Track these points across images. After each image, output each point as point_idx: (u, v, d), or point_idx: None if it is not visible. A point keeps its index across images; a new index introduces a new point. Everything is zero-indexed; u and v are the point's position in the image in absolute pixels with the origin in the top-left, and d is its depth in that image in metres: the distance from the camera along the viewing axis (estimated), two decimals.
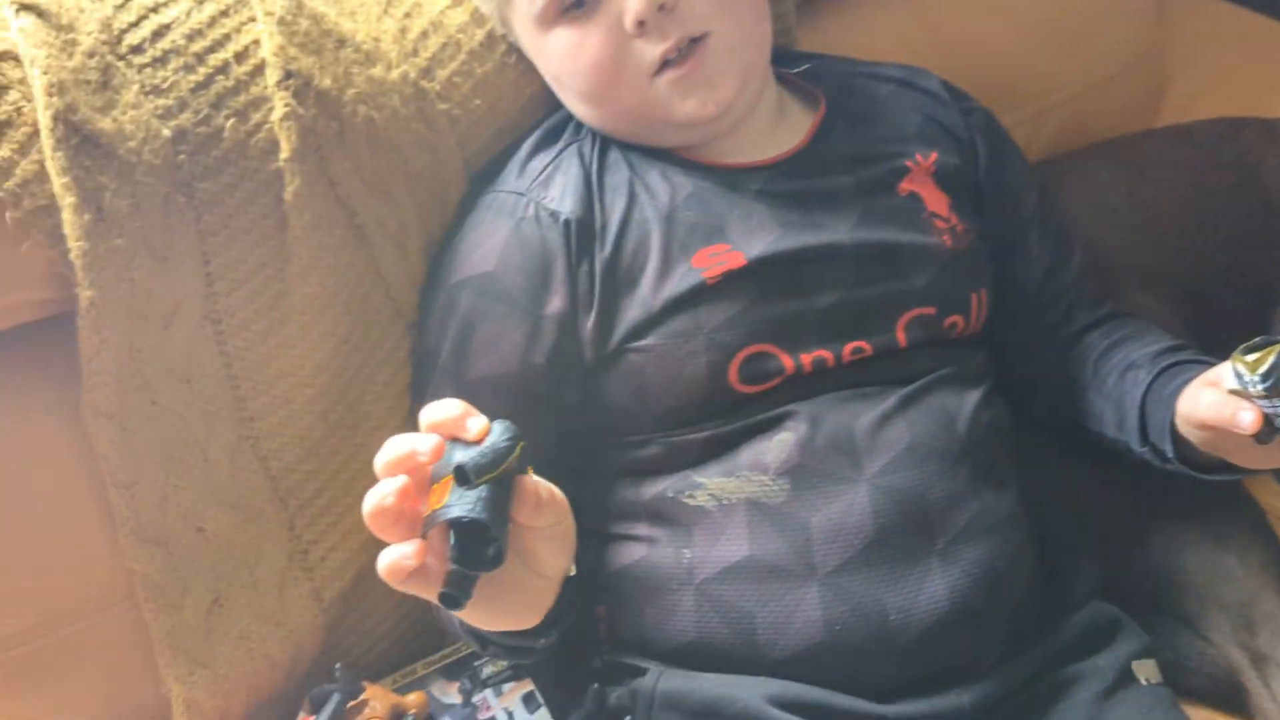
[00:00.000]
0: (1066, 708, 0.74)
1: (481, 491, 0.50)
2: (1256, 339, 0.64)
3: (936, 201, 0.82)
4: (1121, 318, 0.88)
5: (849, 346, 0.76)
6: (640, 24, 0.72)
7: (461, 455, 0.51)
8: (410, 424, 0.80)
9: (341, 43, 0.76)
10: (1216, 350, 0.97)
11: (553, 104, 0.84)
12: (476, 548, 0.52)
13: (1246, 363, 0.62)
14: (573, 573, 0.65)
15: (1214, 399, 0.66)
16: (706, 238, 0.76)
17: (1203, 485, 0.77)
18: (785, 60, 0.91)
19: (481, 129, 0.82)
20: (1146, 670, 0.78)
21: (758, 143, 0.81)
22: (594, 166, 0.79)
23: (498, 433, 0.53)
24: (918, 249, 0.79)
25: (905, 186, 0.82)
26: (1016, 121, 1.13)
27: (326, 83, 0.74)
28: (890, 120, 0.85)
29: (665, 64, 0.74)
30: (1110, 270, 0.94)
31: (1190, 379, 0.72)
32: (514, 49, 0.83)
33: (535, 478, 0.55)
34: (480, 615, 0.60)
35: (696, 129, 0.78)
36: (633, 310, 0.75)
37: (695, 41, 0.74)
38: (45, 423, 0.73)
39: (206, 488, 0.75)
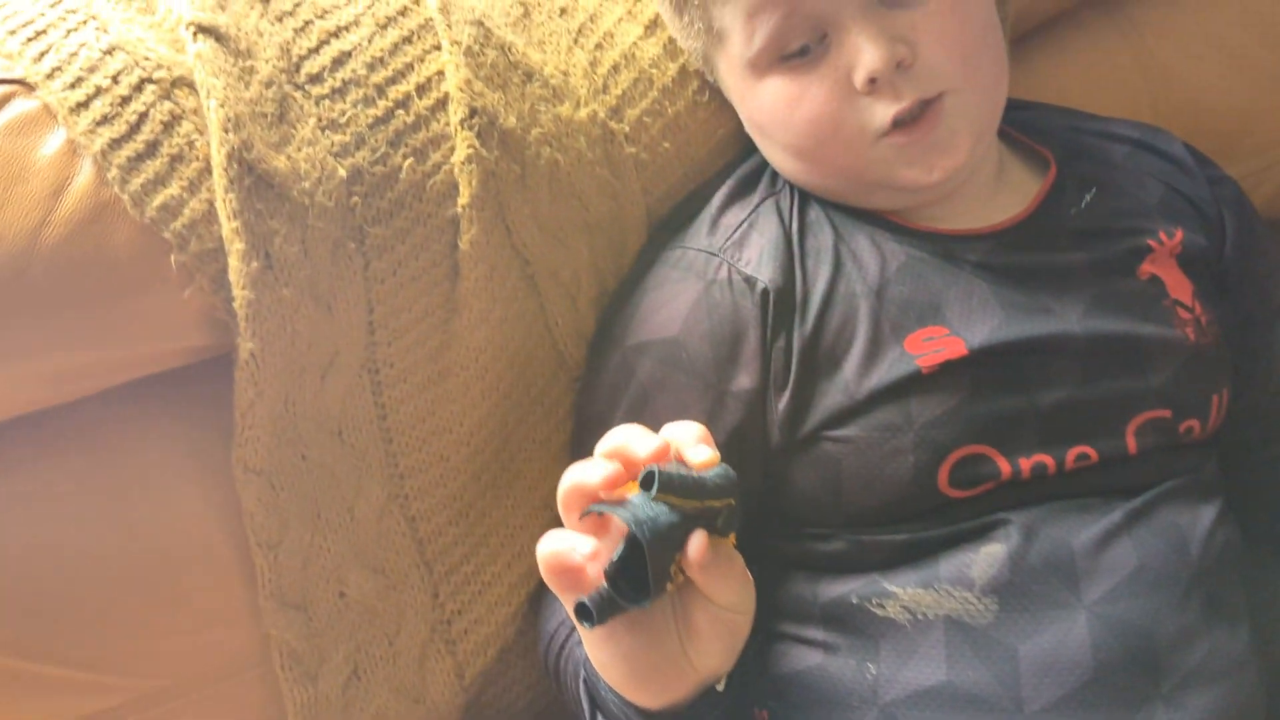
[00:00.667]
0: None
1: (659, 512, 0.46)
2: None
3: (1180, 288, 0.72)
4: None
5: (1073, 452, 0.67)
6: (872, 82, 0.64)
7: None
8: None
9: (529, 76, 0.69)
10: None
11: (743, 147, 0.77)
12: (635, 574, 0.47)
13: None
14: (720, 688, 0.58)
15: None
16: (921, 318, 0.68)
17: None
18: None
19: (668, 174, 0.74)
20: None
21: (976, 208, 0.72)
22: (794, 227, 0.71)
23: (716, 471, 0.49)
24: (1158, 343, 0.70)
25: (1146, 269, 0.72)
26: (1241, 175, 1.02)
27: (511, 121, 0.68)
28: (1129, 190, 0.75)
29: (894, 125, 0.66)
30: None
31: None
32: (707, 85, 0.75)
33: (733, 549, 0.51)
34: (602, 650, 0.55)
35: (915, 194, 0.69)
36: (833, 395, 0.67)
37: (928, 103, 0.66)
38: (184, 473, 0.68)
39: (351, 548, 0.70)
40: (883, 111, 0.66)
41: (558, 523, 0.53)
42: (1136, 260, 0.72)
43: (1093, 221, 0.73)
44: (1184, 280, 0.73)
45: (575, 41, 0.72)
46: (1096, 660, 0.63)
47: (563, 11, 0.72)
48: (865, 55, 0.64)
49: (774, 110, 0.68)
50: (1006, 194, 0.74)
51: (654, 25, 0.74)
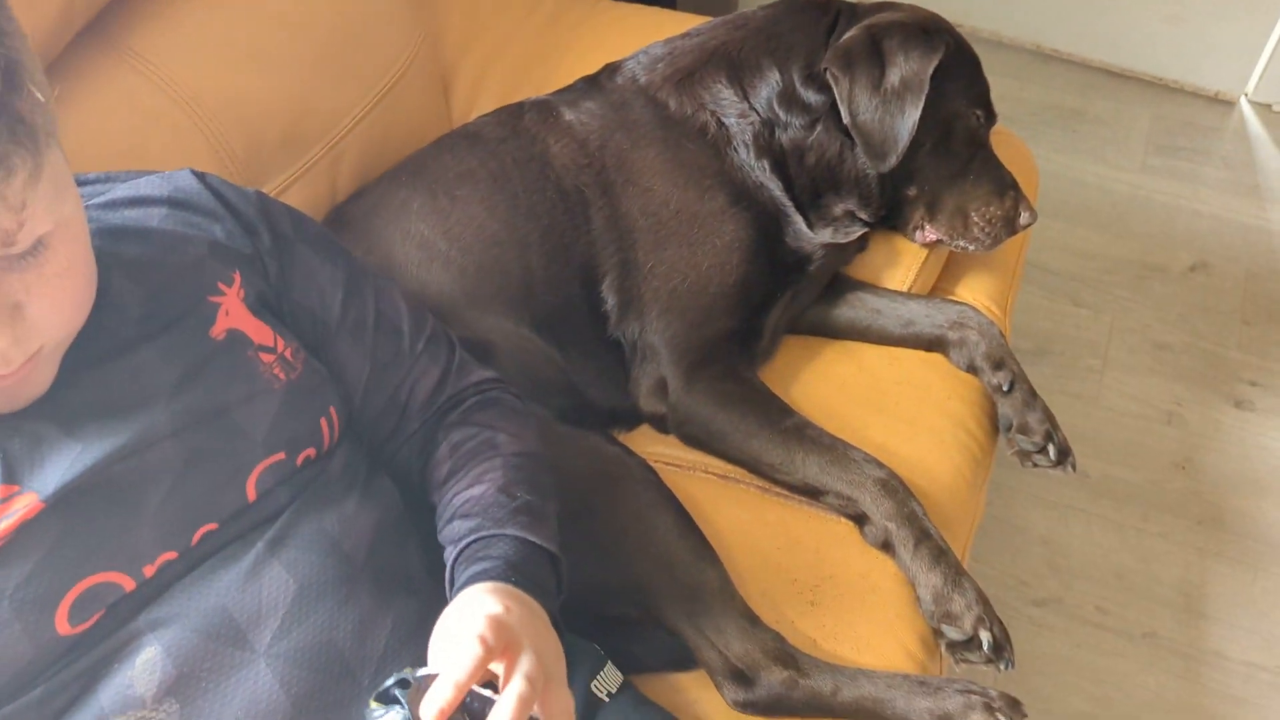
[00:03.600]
0: None
1: None
2: (402, 676, 0.60)
3: (259, 333, 0.72)
4: (454, 420, 0.81)
5: (198, 534, 0.66)
6: None
7: None
8: None
9: None
10: (571, 345, 1.01)
11: None
12: None
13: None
14: None
15: None
16: None
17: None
18: None
19: None
20: (607, 681, 0.80)
21: None
22: None
23: None
24: (249, 399, 0.69)
25: (221, 328, 0.70)
26: (313, 162, 1.08)
27: None
28: (177, 253, 0.71)
29: None
30: (450, 308, 0.93)
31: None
32: None
33: None
34: None
35: None
36: None
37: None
38: None
39: None
40: None
41: None
42: (208, 324, 0.70)
43: (149, 307, 0.69)
44: (259, 324, 0.72)
45: None
46: (291, 697, 0.64)
47: None
48: None
49: None
50: None
51: None
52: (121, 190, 0.74)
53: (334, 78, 1.09)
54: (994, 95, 1.15)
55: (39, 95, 0.56)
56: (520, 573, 0.69)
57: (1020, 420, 1.08)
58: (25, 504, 0.61)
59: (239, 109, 0.99)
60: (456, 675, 0.57)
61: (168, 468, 0.65)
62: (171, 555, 0.65)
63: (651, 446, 1.04)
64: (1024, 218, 1.13)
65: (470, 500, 0.74)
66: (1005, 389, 1.09)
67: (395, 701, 0.58)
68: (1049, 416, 1.08)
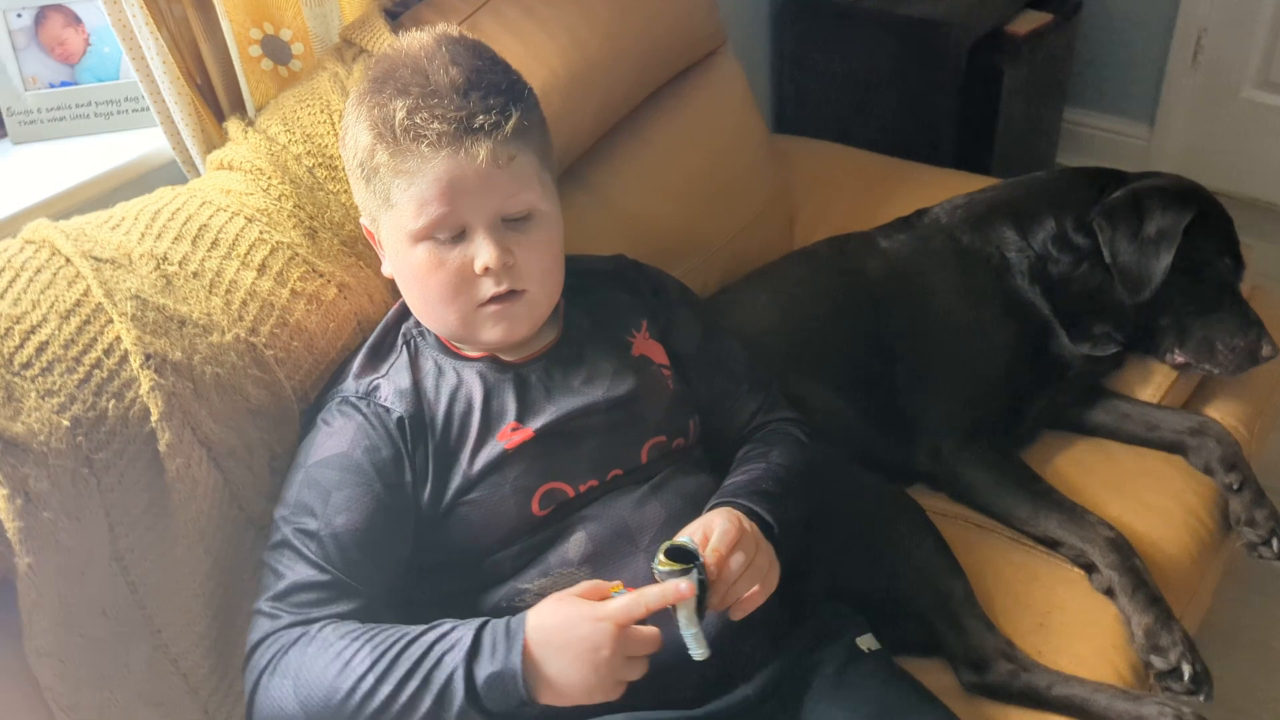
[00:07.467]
0: (818, 683, 1.04)
1: None
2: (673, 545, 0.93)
3: (659, 355, 1.13)
4: (754, 438, 1.15)
5: (611, 474, 1.05)
6: (486, 270, 0.99)
7: None
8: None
9: (183, 323, 0.99)
10: (867, 410, 1.34)
11: (355, 332, 1.10)
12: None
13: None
14: None
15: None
16: (503, 418, 1.04)
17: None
18: None
19: (301, 361, 1.06)
20: (867, 642, 1.09)
21: (533, 342, 1.09)
22: (420, 374, 1.05)
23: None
24: (649, 395, 1.09)
25: (637, 351, 1.12)
26: (692, 268, 1.50)
27: (177, 355, 0.97)
28: (612, 305, 1.15)
29: (490, 300, 1.01)
30: (779, 371, 1.29)
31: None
32: (315, 300, 1.08)
33: None
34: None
35: (496, 346, 1.06)
36: (458, 478, 1.02)
37: (516, 293, 1.02)
38: None
39: (133, 694, 0.93)
40: (487, 289, 1.01)
41: None
42: (628, 348, 1.11)
43: (594, 331, 1.12)
44: (660, 348, 1.13)
45: (210, 292, 1.02)
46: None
47: (195, 275, 1.03)
48: (486, 254, 0.99)
49: (418, 269, 1.01)
50: (547, 328, 1.11)
51: (263, 268, 1.07)
52: (579, 262, 1.19)
53: (715, 210, 1.52)
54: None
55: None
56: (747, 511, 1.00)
57: (1248, 515, 1.27)
58: (525, 434, 1.03)
59: (652, 225, 1.44)
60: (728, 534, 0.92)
61: (599, 429, 1.06)
62: (594, 483, 1.04)
63: (923, 500, 1.33)
64: (1265, 350, 1.33)
65: (728, 484, 1.07)
66: (1236, 488, 1.28)
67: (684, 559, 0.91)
68: (1275, 515, 1.26)
